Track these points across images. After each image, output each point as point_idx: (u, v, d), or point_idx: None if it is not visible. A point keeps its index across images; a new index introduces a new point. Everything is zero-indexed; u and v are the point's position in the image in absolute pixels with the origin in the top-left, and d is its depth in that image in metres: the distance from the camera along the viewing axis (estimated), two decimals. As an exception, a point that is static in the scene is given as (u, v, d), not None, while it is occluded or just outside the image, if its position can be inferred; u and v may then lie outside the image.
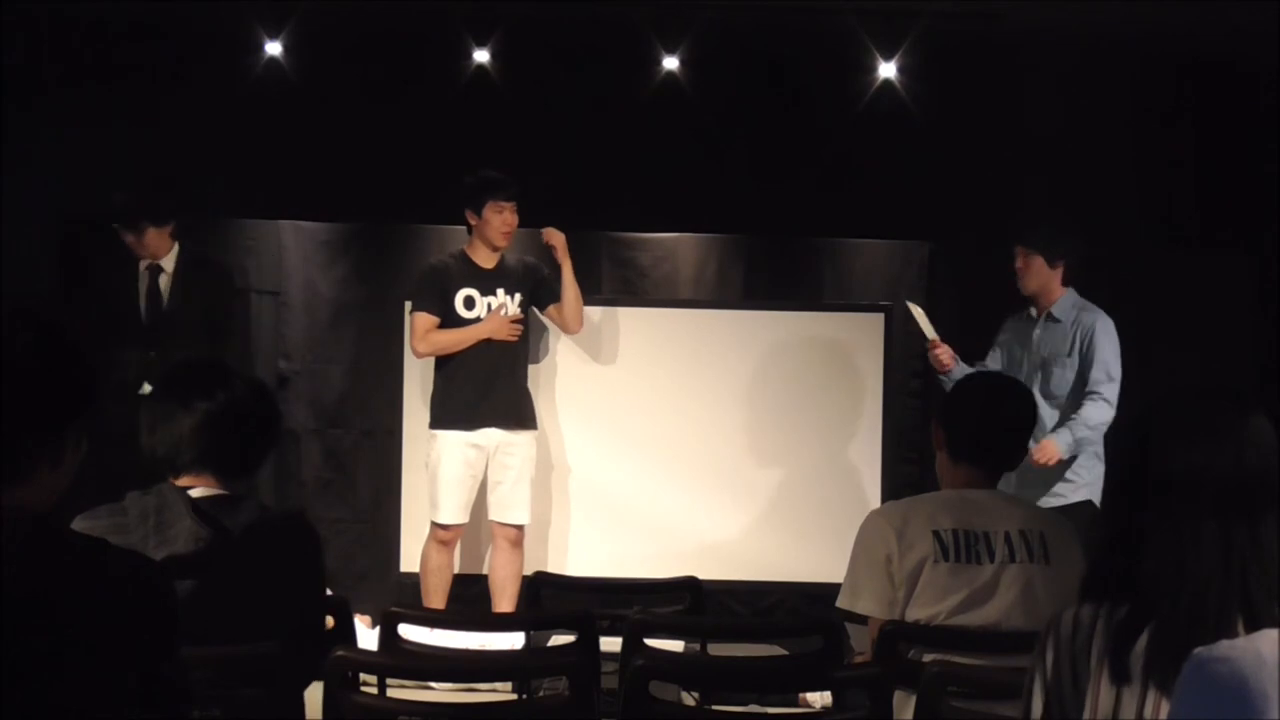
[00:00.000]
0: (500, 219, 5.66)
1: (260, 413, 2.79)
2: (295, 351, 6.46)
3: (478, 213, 5.67)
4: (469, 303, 5.71)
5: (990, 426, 3.18)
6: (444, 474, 5.68)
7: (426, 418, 5.85)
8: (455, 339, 5.69)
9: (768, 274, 6.54)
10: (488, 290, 5.72)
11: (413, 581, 6.06)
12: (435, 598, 5.69)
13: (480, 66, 6.22)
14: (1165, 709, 1.73)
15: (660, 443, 6.16)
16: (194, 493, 2.65)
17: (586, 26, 6.14)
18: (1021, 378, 5.28)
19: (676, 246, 6.57)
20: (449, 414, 5.70)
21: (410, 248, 6.50)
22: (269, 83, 6.15)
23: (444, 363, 5.73)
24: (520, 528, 5.77)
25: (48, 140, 5.98)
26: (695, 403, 6.16)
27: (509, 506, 5.75)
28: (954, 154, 6.16)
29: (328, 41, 6.16)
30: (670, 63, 6.22)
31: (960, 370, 5.52)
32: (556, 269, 5.84)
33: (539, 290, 5.82)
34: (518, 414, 5.76)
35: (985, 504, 3.11)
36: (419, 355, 5.80)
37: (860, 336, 6.23)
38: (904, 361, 6.39)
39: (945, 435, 3.20)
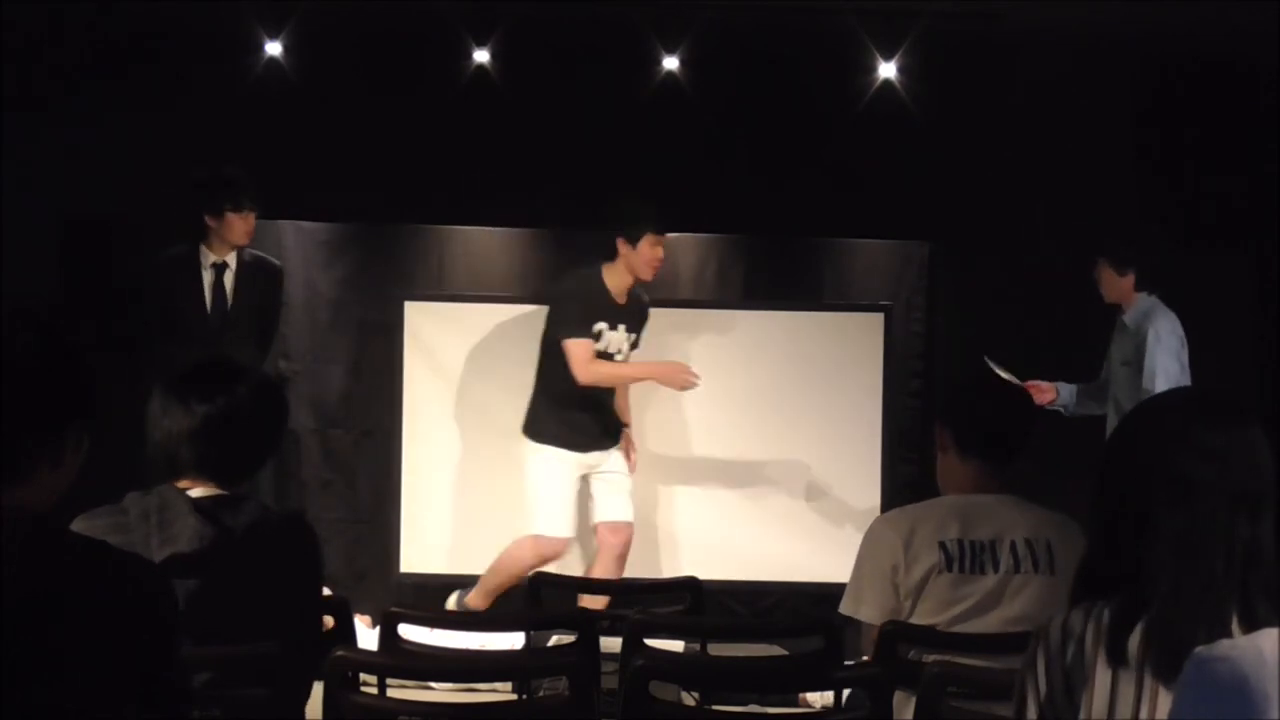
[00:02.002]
0: (653, 253, 5.50)
1: (261, 417, 2.77)
2: (295, 351, 6.46)
3: (631, 242, 5.48)
4: (598, 335, 5.56)
5: (996, 418, 3.17)
6: (560, 490, 5.57)
7: (426, 418, 5.85)
8: (621, 375, 5.55)
9: (768, 274, 6.54)
10: (615, 324, 5.57)
11: (413, 581, 6.07)
12: (490, 599, 5.63)
13: (480, 66, 6.22)
14: (1161, 708, 1.73)
15: (660, 443, 6.15)
16: (194, 493, 2.65)
17: (586, 26, 6.14)
18: (1111, 386, 5.41)
19: (676, 246, 6.56)
20: (562, 431, 5.57)
21: (410, 248, 6.51)
22: (269, 83, 6.14)
23: (554, 382, 5.55)
24: (630, 524, 5.70)
25: (48, 140, 5.97)
26: (695, 403, 6.15)
27: (617, 508, 5.68)
28: (954, 154, 6.16)
29: (328, 41, 6.16)
30: (670, 63, 6.21)
31: (1067, 392, 5.60)
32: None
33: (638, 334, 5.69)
34: (615, 433, 5.71)
35: (993, 510, 3.10)
36: (584, 383, 5.49)
37: (860, 336, 6.24)
38: (904, 361, 6.39)
39: (952, 434, 3.18)
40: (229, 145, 6.08)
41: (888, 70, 6.15)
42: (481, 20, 6.16)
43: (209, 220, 5.67)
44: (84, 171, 5.98)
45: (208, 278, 5.73)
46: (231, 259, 5.76)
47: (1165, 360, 5.33)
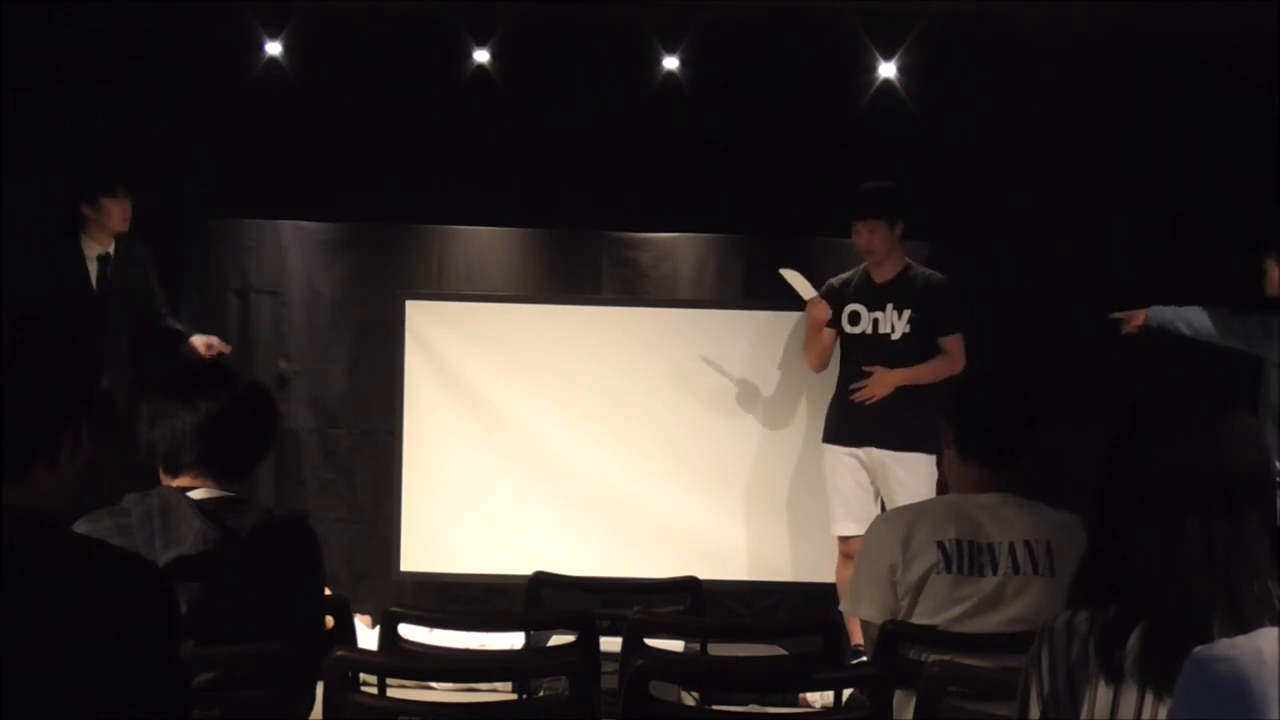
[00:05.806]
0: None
1: (261, 414, 2.80)
2: (295, 351, 6.46)
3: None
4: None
5: (995, 423, 3.16)
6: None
7: (426, 418, 5.84)
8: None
9: (768, 274, 6.53)
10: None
11: (413, 581, 6.06)
12: None
13: (480, 66, 6.22)
14: (1163, 710, 1.72)
15: (660, 443, 6.15)
16: (195, 494, 2.64)
17: (586, 26, 6.14)
18: None
19: (676, 246, 6.57)
20: None
21: (410, 248, 6.51)
22: (269, 83, 6.15)
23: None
24: None
25: (48, 140, 5.97)
26: (695, 403, 6.15)
27: None
28: (954, 154, 6.16)
29: (328, 41, 6.16)
30: (670, 63, 6.21)
31: (1171, 313, 5.49)
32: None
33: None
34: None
35: (993, 511, 3.09)
36: None
37: (860, 336, 6.21)
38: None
39: (953, 434, 3.18)
40: (229, 145, 6.08)
41: (888, 70, 6.15)
42: (481, 20, 6.16)
43: (87, 211, 5.69)
44: (84, 171, 5.98)
45: (93, 270, 5.73)
46: (112, 249, 5.75)
47: None
